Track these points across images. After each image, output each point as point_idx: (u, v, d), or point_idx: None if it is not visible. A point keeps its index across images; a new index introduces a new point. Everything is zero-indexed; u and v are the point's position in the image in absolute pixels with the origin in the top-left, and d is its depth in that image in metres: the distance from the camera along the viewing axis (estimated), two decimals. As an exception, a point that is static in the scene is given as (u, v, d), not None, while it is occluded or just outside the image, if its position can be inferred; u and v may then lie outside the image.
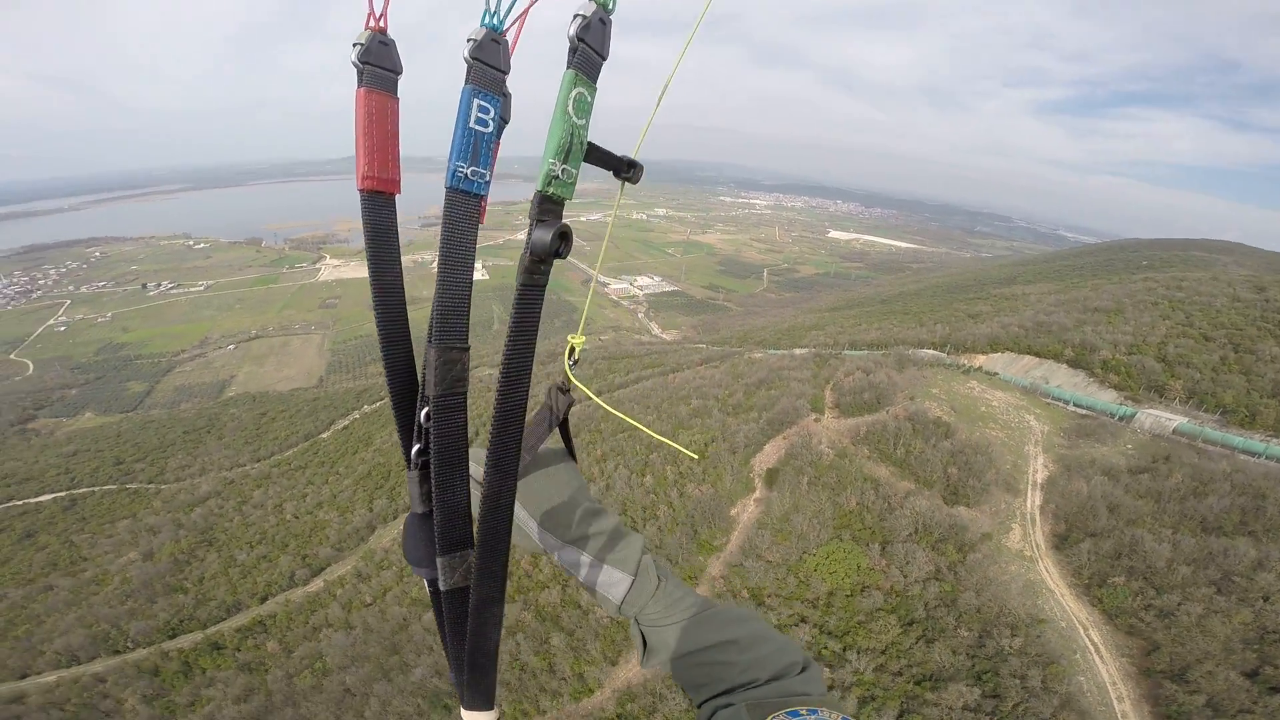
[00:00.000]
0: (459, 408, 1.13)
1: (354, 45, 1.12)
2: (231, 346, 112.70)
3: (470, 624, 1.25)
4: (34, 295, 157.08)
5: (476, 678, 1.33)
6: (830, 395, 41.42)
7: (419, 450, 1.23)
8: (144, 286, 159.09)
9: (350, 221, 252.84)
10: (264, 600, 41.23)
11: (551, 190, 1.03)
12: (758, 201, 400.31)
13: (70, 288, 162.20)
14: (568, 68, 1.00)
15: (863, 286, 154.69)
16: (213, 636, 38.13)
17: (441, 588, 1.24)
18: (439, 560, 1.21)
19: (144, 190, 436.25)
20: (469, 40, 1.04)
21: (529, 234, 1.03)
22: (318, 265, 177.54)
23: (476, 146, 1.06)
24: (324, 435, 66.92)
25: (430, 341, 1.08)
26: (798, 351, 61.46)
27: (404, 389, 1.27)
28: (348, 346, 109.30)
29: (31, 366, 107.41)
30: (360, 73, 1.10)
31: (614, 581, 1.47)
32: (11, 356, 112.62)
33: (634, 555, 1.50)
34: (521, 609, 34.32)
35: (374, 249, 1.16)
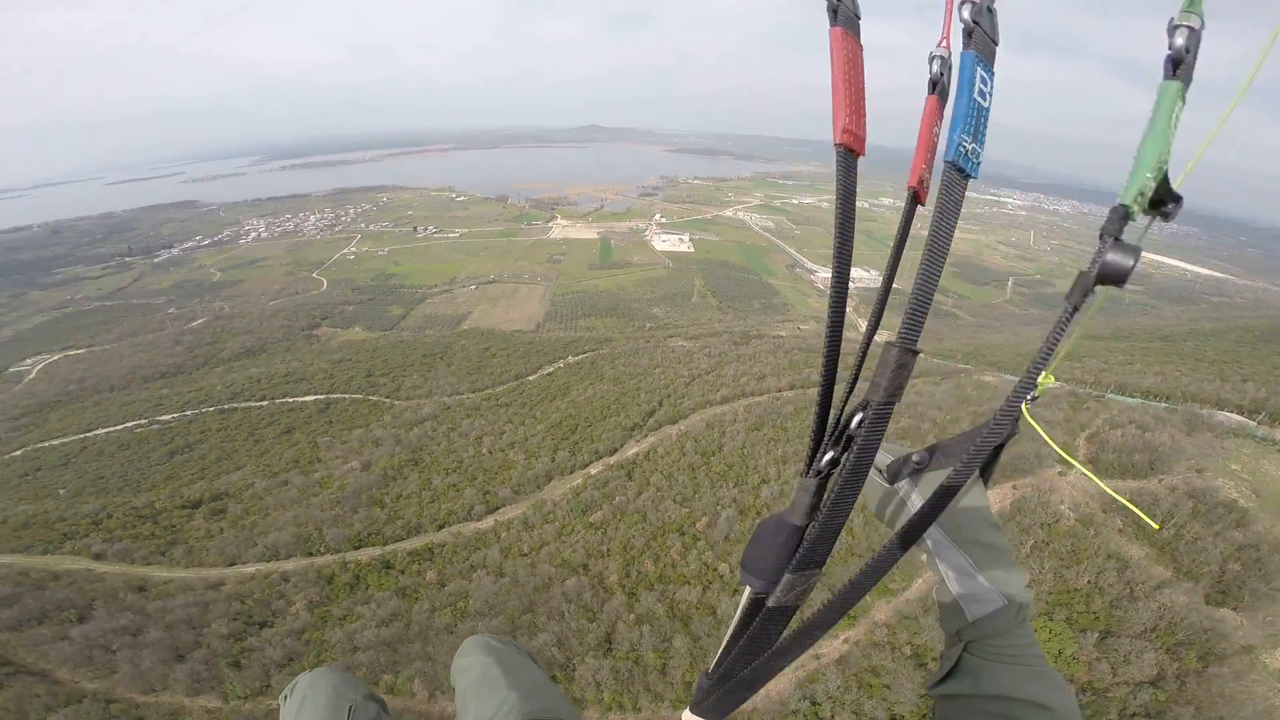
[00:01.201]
0: (888, 418, 1.06)
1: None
2: (473, 287, 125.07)
3: (778, 644, 1.21)
4: (336, 229, 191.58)
5: (736, 693, 1.30)
6: (1085, 447, 36.41)
7: (831, 459, 1.16)
8: (414, 229, 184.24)
9: (580, 186, 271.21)
10: (440, 528, 42.89)
11: (1135, 206, 0.88)
12: (1012, 200, 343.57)
13: (362, 225, 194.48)
14: (1167, 78, 0.90)
15: (1140, 315, 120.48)
16: (388, 555, 40.37)
17: (770, 603, 1.18)
18: (787, 576, 1.16)
19: (424, 147, 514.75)
20: (967, 3, 1.01)
21: (1101, 253, 0.87)
22: (549, 224, 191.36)
23: (978, 120, 1.03)
24: (530, 377, 69.75)
25: (893, 341, 1.05)
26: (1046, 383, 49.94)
27: (831, 383, 1.23)
28: (565, 299, 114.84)
29: (325, 284, 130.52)
30: (834, 10, 1.03)
31: (981, 597, 1.34)
32: (314, 275, 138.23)
33: (1016, 582, 1.37)
34: (657, 599, 32.20)
35: (842, 212, 1.09)
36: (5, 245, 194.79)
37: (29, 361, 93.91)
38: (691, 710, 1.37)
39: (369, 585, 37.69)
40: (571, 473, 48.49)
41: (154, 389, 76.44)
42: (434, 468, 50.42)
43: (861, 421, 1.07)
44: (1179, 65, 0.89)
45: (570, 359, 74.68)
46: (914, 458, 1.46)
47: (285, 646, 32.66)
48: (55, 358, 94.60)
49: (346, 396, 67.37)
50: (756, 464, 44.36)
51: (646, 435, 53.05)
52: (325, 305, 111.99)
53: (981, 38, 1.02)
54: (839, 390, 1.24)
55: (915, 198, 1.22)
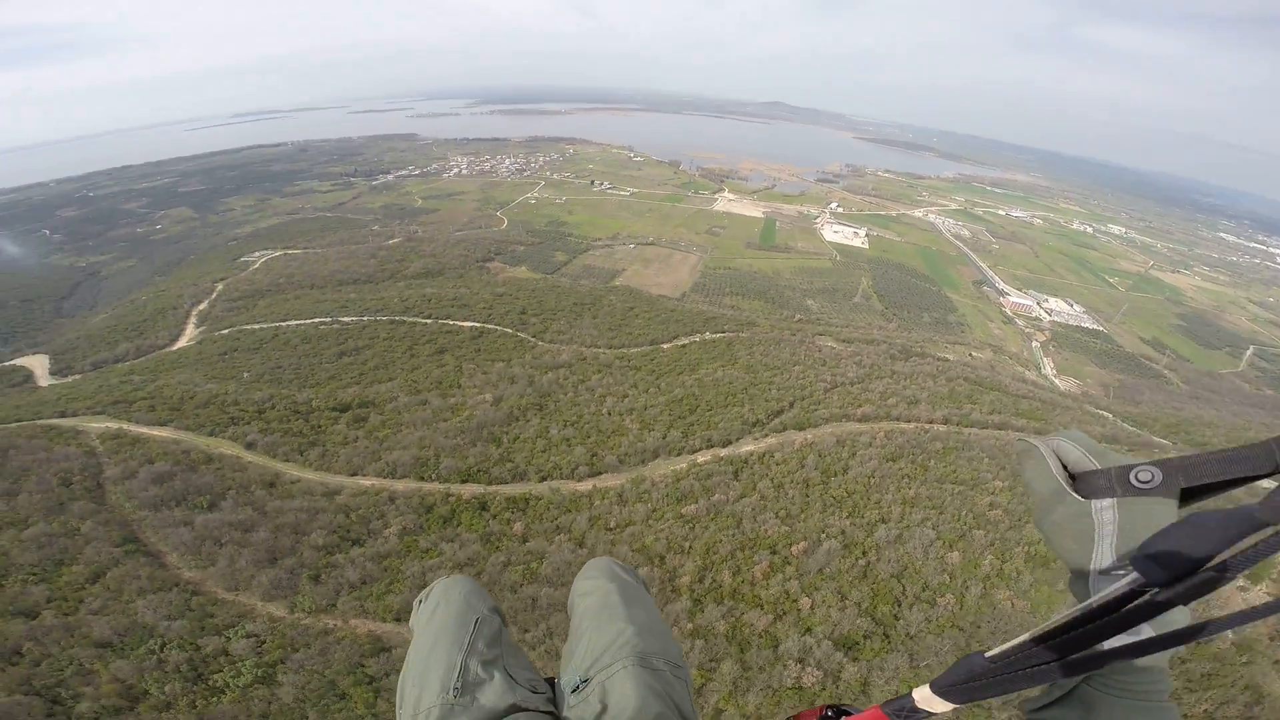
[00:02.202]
0: None
1: None
2: (632, 246, 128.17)
3: (1118, 647, 1.16)
4: (525, 173, 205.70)
5: (1004, 680, 1.25)
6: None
7: None
8: (592, 183, 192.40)
9: (754, 163, 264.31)
10: (543, 480, 44.44)
11: None
12: None
13: (548, 173, 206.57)
14: None
15: None
16: (488, 496, 42.38)
17: (1161, 598, 1.09)
18: (1208, 571, 1.03)
19: (612, 105, 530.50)
20: None
21: None
22: (716, 195, 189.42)
23: None
24: (665, 346, 70.42)
25: None
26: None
27: None
28: (715, 273, 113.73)
29: (505, 223, 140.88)
30: None
31: None
32: (498, 214, 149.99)
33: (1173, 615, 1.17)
34: (722, 616, 30.87)
35: None
36: (264, 157, 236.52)
37: (257, 254, 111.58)
38: (932, 688, 1.32)
39: (460, 523, 40.13)
40: (679, 455, 48.22)
41: (344, 292, 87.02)
42: (555, 417, 52.83)
43: None
44: None
45: (707, 335, 74.15)
46: (1138, 473, 1.22)
47: (364, 569, 35.01)
48: (276, 254, 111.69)
49: (499, 329, 72.57)
50: (880, 499, 41.18)
51: (767, 435, 51.09)
52: (501, 242, 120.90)
53: None
54: None
55: None
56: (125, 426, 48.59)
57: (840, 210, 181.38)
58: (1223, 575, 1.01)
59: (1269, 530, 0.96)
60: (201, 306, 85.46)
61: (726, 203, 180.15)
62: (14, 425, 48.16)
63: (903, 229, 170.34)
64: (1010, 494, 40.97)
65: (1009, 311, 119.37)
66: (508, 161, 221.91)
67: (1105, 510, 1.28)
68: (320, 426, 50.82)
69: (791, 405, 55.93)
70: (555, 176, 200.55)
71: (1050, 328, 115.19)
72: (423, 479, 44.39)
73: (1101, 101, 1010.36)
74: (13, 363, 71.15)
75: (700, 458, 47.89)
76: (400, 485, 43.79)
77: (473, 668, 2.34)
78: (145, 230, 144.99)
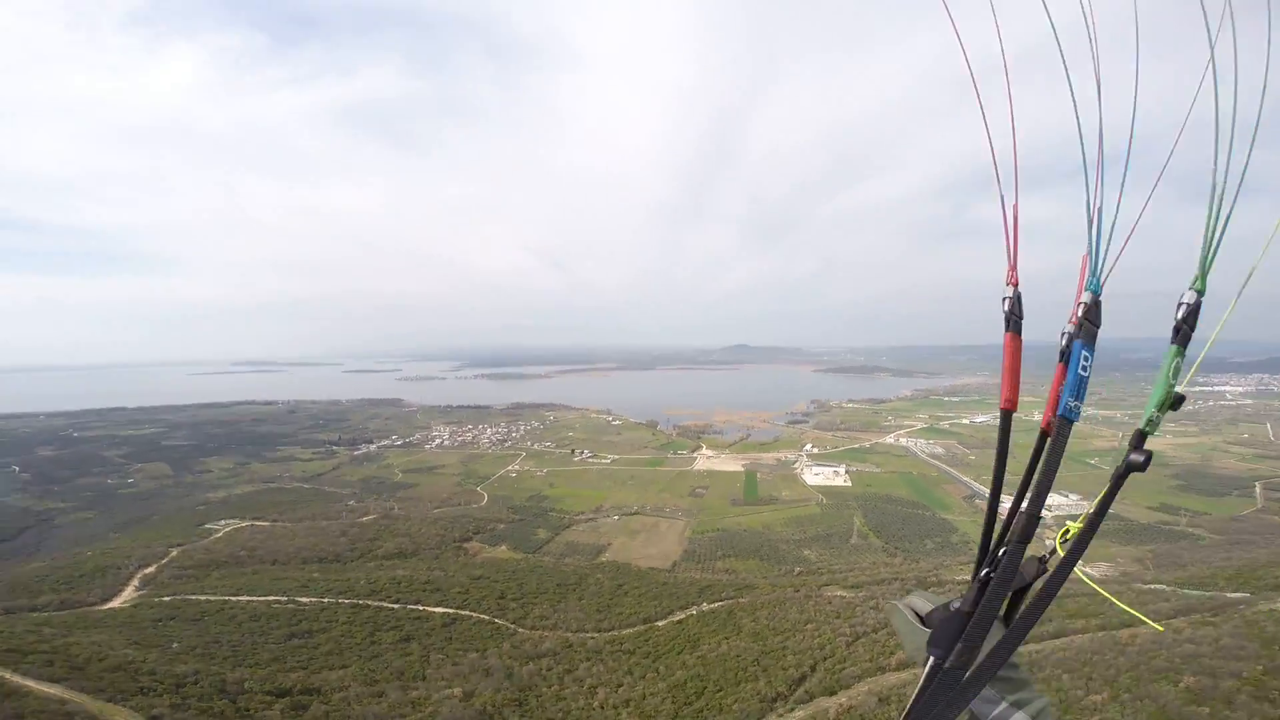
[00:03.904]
0: (1018, 560, 1.94)
1: (1003, 299, 1.91)
2: (616, 517, 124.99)
3: (944, 697, 1.86)
4: (506, 444, 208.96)
5: None
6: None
7: (986, 574, 2.01)
8: (572, 452, 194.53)
9: (726, 413, 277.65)
10: None
11: (1147, 429, 1.64)
12: (1230, 389, 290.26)
13: (528, 443, 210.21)
14: (1172, 343, 1.60)
15: None
16: None
17: (946, 666, 1.88)
18: (958, 646, 1.89)
19: (590, 366, 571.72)
20: (1081, 304, 1.76)
21: (1127, 455, 1.64)
22: (694, 454, 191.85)
23: (1080, 386, 1.75)
24: (660, 623, 64.04)
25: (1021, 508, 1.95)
26: None
27: (990, 530, 2.19)
28: (704, 537, 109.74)
29: (486, 499, 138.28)
30: (1008, 320, 1.89)
31: (999, 716, 2.00)
32: (478, 489, 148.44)
33: (1036, 702, 2.02)
34: None
35: (1000, 454, 2.05)
36: (255, 415, 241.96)
37: (223, 523, 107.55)
38: None
39: None
40: None
41: (308, 571, 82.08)
42: (537, 714, 45.18)
43: (1005, 554, 1.94)
44: (1179, 332, 1.59)
45: (704, 605, 68.11)
46: (954, 604, 2.09)
47: None
48: (244, 524, 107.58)
49: (474, 615, 66.24)
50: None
51: (793, 709, 43.68)
52: (481, 520, 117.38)
53: (1089, 329, 1.76)
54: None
55: (1007, 416, 2.07)
56: (7, 676, 40.60)
57: (816, 450, 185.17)
58: (971, 646, 1.88)
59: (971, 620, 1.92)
60: (149, 570, 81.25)
61: (706, 460, 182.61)
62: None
63: (880, 458, 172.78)
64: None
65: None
66: (489, 431, 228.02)
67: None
68: (249, 710, 42.59)
69: (814, 669, 49.15)
70: (536, 446, 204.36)
71: (1055, 524, 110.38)
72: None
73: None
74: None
75: (717, 755, 39.85)
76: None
77: None
78: (116, 483, 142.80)
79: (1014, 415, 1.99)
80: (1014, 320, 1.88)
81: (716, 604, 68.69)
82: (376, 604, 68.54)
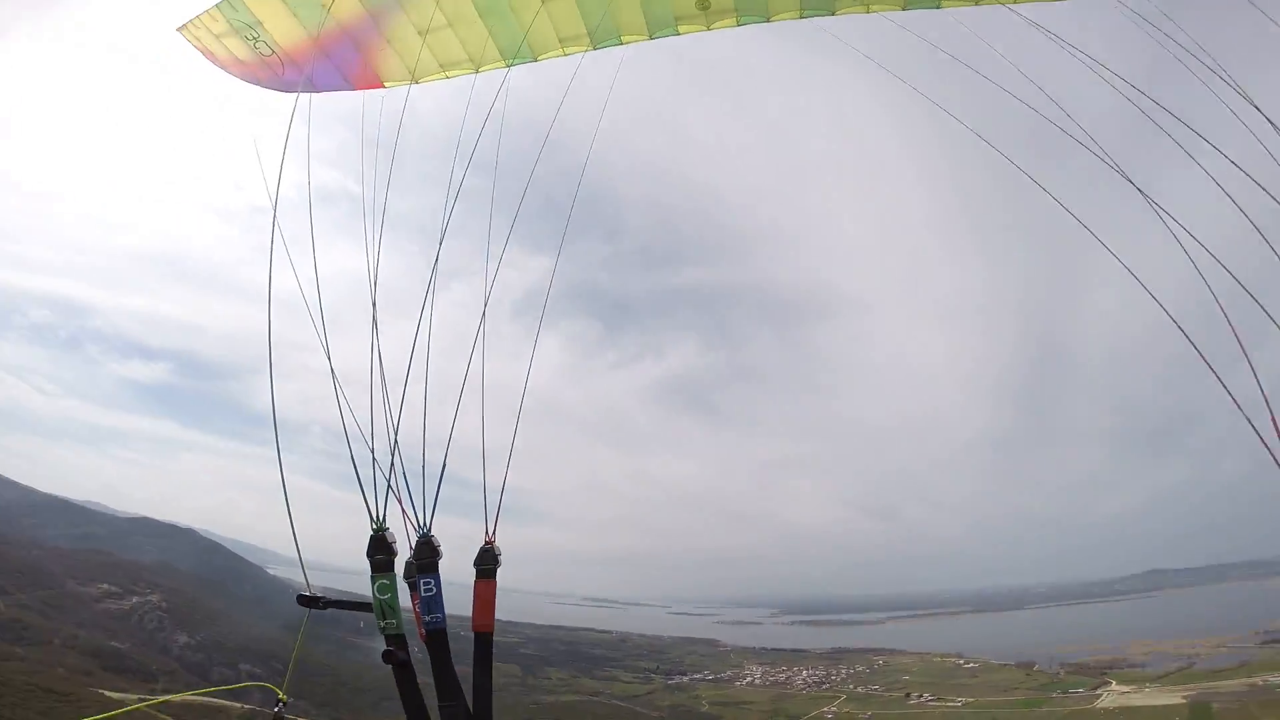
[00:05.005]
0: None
1: None
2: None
3: None
4: (823, 685, 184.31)
5: None
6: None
7: None
8: (907, 695, 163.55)
9: (1148, 644, 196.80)
10: None
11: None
12: None
13: (850, 685, 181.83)
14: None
15: None
16: None
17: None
18: None
19: (931, 610, 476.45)
20: (408, 562, 2.84)
21: None
22: (1097, 691, 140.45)
23: (431, 604, 2.67)
24: None
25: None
26: None
27: None
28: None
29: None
30: None
31: None
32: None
33: None
34: None
35: None
36: (592, 640, 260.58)
37: None
38: None
39: None
40: None
41: None
42: None
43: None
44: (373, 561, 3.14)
45: None
46: None
47: None
48: None
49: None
50: None
51: None
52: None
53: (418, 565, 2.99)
54: None
55: None
56: None
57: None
58: None
59: None
60: None
61: (1117, 696, 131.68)
62: None
63: None
64: None
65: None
66: (805, 673, 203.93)
67: None
68: None
69: None
70: (860, 689, 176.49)
71: None
72: None
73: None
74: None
75: None
76: None
77: None
78: None
79: None
80: None
81: None
82: None
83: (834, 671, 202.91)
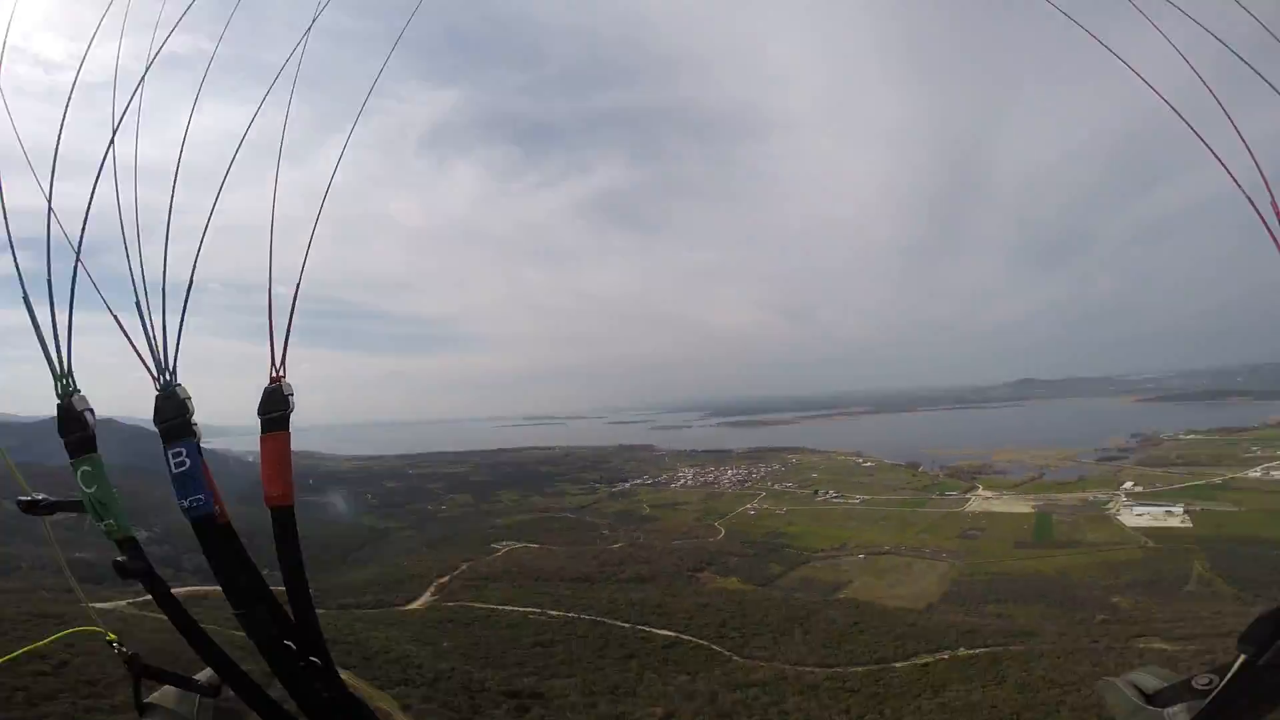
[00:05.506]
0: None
1: None
2: (862, 556, 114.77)
3: (1254, 704, 1.46)
4: (745, 484, 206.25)
5: None
6: None
7: None
8: (815, 492, 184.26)
9: (1011, 452, 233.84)
10: None
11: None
12: None
13: (769, 483, 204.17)
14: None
15: None
16: None
17: (1261, 662, 1.41)
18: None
19: (835, 410, 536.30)
20: (156, 413, 1.75)
21: None
22: (967, 495, 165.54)
23: (185, 482, 1.72)
24: (897, 664, 54.24)
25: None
26: None
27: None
28: (973, 580, 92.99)
29: (722, 534, 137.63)
30: None
31: None
32: (715, 524, 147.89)
33: None
34: None
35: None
36: (537, 459, 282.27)
37: (505, 544, 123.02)
38: None
39: None
40: None
41: (561, 588, 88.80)
42: None
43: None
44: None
45: (960, 650, 56.16)
46: (1197, 680, 1.51)
47: None
48: (519, 546, 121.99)
49: (694, 640, 64.44)
50: None
51: None
52: (715, 552, 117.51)
53: (165, 429, 1.84)
54: None
55: None
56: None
57: (1139, 489, 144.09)
58: None
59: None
60: (444, 580, 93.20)
61: (982, 501, 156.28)
62: (239, 634, 51.98)
63: (1239, 495, 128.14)
64: None
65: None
66: (730, 473, 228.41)
67: (1177, 714, 1.54)
68: (480, 707, 45.55)
69: None
70: (776, 487, 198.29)
71: None
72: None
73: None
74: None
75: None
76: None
77: None
78: (433, 508, 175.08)
79: None
80: None
81: (978, 650, 56.06)
82: (611, 622, 70.98)
83: (754, 470, 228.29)
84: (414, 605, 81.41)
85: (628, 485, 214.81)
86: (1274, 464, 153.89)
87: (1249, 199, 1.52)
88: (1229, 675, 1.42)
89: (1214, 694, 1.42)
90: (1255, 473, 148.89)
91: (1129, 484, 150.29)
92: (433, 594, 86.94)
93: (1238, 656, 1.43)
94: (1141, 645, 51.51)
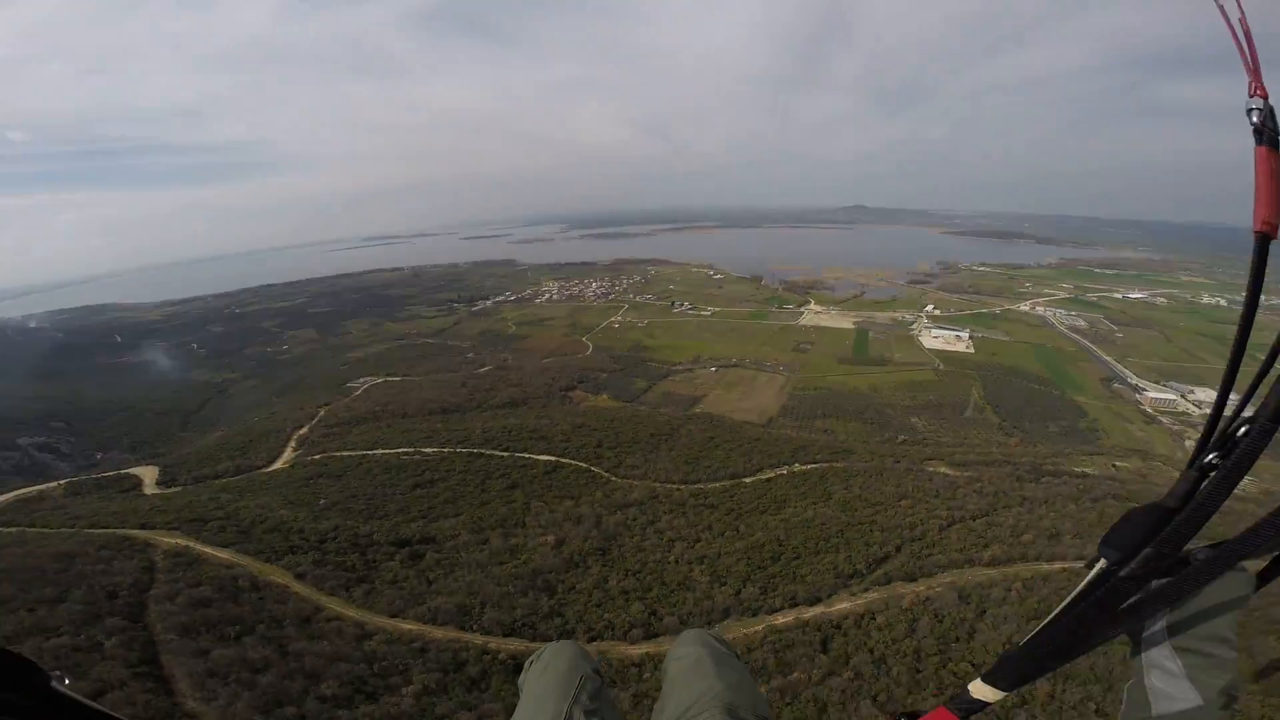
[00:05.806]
0: (1270, 435, 1.28)
1: (1249, 112, 1.41)
2: (713, 369, 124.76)
3: (1111, 616, 1.43)
4: (609, 296, 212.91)
5: (1044, 662, 1.51)
6: None
7: (1212, 460, 1.40)
8: (672, 304, 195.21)
9: (840, 270, 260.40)
10: (591, 640, 38.87)
11: None
12: None
13: (631, 295, 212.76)
14: None
15: None
16: (530, 651, 37.31)
17: (1123, 574, 1.41)
18: (1147, 551, 1.39)
19: (691, 224, 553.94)
20: None
21: None
22: (800, 309, 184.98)
23: None
24: (747, 480, 64.70)
25: None
26: None
27: (1228, 390, 1.60)
28: (805, 395, 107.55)
29: (590, 349, 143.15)
30: (1259, 133, 1.39)
31: (1175, 695, 1.47)
32: (584, 339, 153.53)
33: (1228, 687, 1.47)
34: None
35: (1254, 290, 1.49)
36: (384, 282, 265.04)
37: (363, 380, 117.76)
38: (983, 679, 1.57)
39: (489, 687, 34.82)
40: (754, 615, 40.96)
41: (432, 422, 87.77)
42: (618, 565, 47.89)
43: (1247, 433, 1.31)
44: None
45: (796, 466, 67.73)
46: (1197, 554, 1.46)
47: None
48: (379, 381, 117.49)
49: (573, 463, 69.95)
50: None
51: (868, 590, 42.64)
52: (585, 370, 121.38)
53: None
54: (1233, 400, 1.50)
55: (1265, 240, 1.40)
56: (192, 545, 48.10)
57: (937, 312, 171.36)
58: (1168, 553, 1.37)
59: (1179, 519, 1.37)
60: (303, 430, 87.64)
61: (813, 315, 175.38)
62: (97, 532, 48.88)
63: (1010, 326, 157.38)
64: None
65: (1149, 409, 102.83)
66: (594, 285, 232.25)
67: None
68: (374, 562, 48.37)
69: (899, 549, 47.38)
70: (638, 299, 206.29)
71: (1201, 420, 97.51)
72: (463, 628, 40.32)
73: (1190, 160, 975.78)
74: (129, 470, 75.83)
75: (780, 619, 40.03)
76: (439, 633, 39.67)
77: (576, 716, 2.62)
78: (274, 350, 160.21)
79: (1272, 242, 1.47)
80: (1268, 134, 1.41)
81: (809, 466, 67.84)
82: (489, 452, 73.30)
83: (617, 283, 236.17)
84: (277, 465, 76.64)
85: (489, 303, 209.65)
86: (1040, 299, 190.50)
87: (1219, 6, 1.54)
88: (1084, 582, 1.45)
89: (1065, 603, 1.46)
90: (1025, 306, 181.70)
91: (930, 307, 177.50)
92: (294, 449, 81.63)
93: (1097, 559, 1.46)
94: (930, 467, 65.55)
